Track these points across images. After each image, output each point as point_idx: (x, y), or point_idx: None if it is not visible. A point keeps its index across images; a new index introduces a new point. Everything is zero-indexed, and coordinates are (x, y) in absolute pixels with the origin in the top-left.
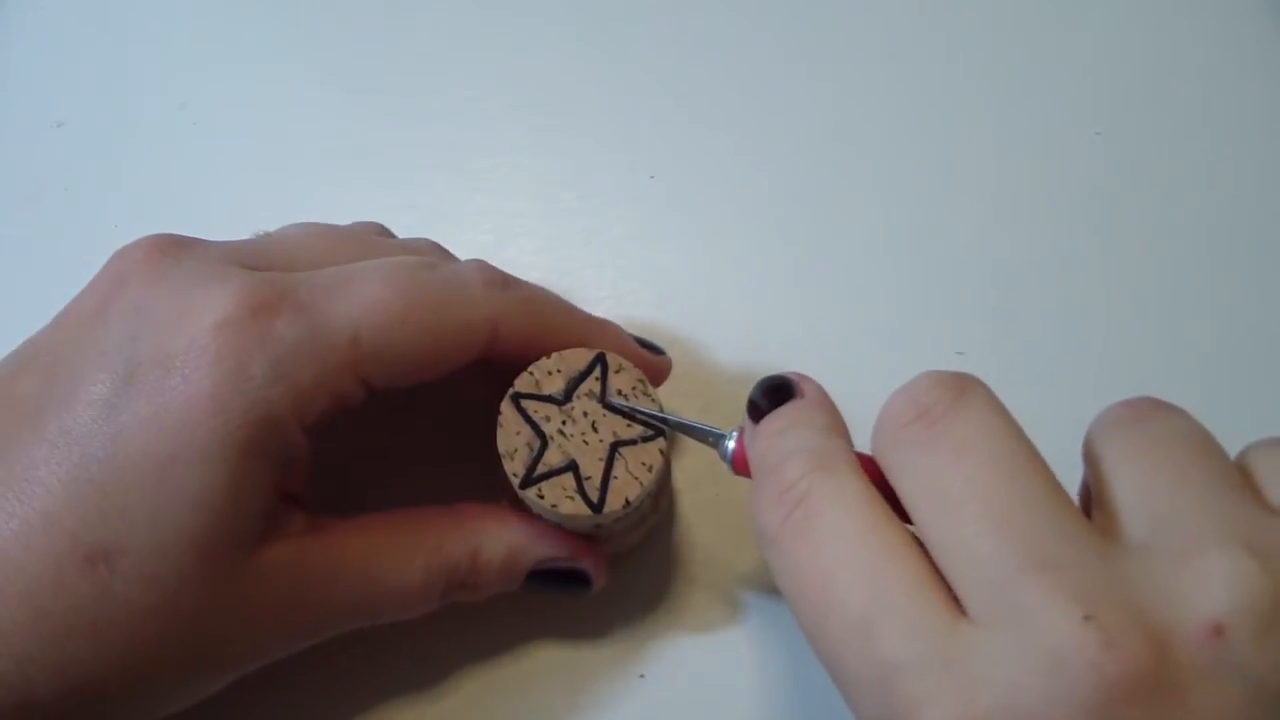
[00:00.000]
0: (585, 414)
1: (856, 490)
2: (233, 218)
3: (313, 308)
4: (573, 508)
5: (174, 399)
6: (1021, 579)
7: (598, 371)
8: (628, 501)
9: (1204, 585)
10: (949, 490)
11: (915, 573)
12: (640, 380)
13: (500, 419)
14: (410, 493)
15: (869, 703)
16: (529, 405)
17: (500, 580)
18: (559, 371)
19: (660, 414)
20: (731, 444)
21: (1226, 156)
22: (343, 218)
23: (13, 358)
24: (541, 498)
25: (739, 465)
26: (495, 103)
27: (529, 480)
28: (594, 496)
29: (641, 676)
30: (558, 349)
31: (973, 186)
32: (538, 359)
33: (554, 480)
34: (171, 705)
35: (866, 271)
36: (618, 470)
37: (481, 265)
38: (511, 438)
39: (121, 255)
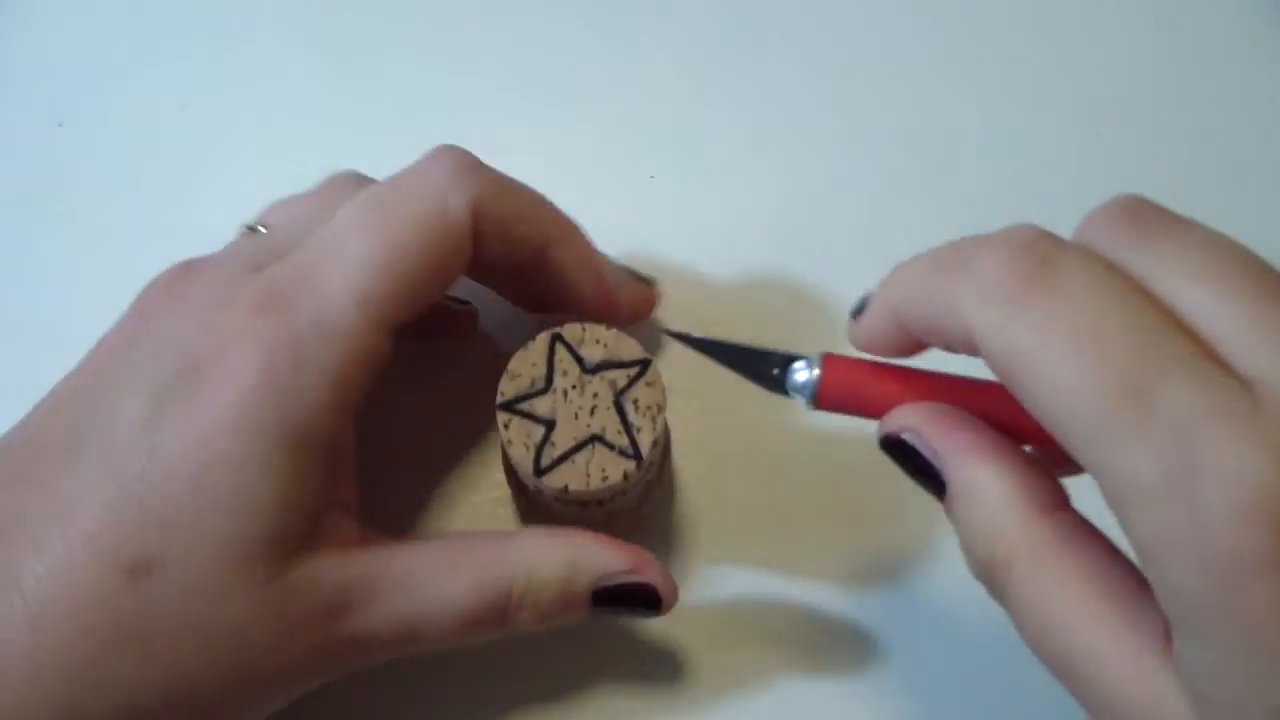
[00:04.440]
0: (574, 387)
1: (1099, 258)
2: (233, 218)
3: (312, 286)
4: (617, 467)
5: (204, 409)
6: None
7: (561, 352)
8: (655, 442)
9: None
10: (1219, 266)
11: (1188, 332)
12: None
13: (506, 435)
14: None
15: (1145, 467)
16: (523, 406)
17: (560, 601)
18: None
19: (714, 339)
20: (816, 370)
21: (1227, 156)
22: None
23: (46, 402)
24: (588, 476)
25: (830, 392)
26: (495, 102)
27: (540, 471)
28: (629, 450)
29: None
30: (536, 236)
31: (974, 187)
32: (525, 256)
33: (575, 458)
34: None
35: (868, 273)
36: (632, 417)
37: (448, 152)
38: (521, 449)
39: (145, 291)
